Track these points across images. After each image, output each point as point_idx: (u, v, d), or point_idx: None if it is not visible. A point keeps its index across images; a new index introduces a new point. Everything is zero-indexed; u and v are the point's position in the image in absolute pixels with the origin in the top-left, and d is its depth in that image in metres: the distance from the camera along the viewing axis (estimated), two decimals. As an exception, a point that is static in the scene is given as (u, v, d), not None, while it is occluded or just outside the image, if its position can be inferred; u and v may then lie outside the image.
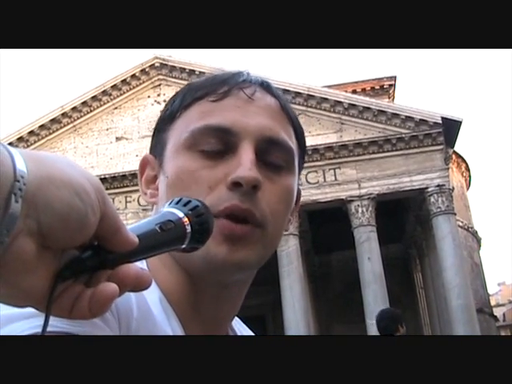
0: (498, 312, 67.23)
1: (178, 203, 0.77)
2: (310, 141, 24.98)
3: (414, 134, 24.57)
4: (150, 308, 0.90)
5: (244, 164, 0.95)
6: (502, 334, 76.79)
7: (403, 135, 24.61)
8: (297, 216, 24.20)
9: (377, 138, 24.73)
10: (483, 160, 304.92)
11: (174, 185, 0.98)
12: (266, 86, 1.06)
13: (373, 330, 22.62)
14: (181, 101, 1.05)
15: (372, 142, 24.73)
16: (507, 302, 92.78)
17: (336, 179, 24.75)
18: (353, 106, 25.11)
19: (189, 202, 0.77)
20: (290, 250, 23.66)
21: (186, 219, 0.74)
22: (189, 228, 0.74)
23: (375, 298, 23.02)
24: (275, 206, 0.98)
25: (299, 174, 1.10)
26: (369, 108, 25.00)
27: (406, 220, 28.68)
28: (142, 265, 1.01)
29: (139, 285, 0.63)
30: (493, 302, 60.07)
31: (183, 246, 0.74)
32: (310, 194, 24.47)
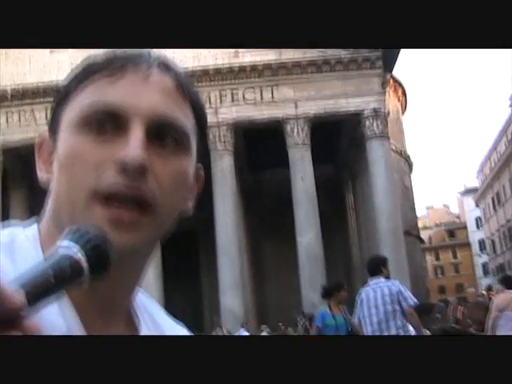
0: (424, 235, 69.45)
1: (74, 234, 0.74)
2: (248, 57, 24.75)
3: (354, 56, 24.60)
4: None
5: (131, 145, 0.93)
6: (427, 256, 79.53)
7: (342, 57, 24.61)
8: (231, 132, 24.18)
9: (316, 58, 24.66)
10: (420, 85, 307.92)
11: (63, 165, 0.96)
12: (164, 63, 1.03)
13: (302, 247, 23.33)
14: (76, 77, 1.02)
15: (311, 62, 24.68)
16: (434, 226, 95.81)
17: (273, 98, 24.71)
18: (293, 24, 24.86)
19: (86, 233, 0.75)
20: (223, 167, 23.75)
21: (81, 257, 0.72)
22: (86, 265, 0.72)
23: (307, 216, 23.46)
24: (167, 187, 0.97)
25: (200, 152, 1.07)
26: (309, 27, 24.80)
27: (339, 142, 28.98)
28: (31, 230, 1.01)
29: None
30: (420, 225, 61.87)
31: (83, 280, 0.72)
32: (246, 111, 24.41)
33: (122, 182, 0.91)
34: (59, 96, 1.04)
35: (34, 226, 1.02)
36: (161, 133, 0.97)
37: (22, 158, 26.86)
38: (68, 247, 0.72)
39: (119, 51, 1.04)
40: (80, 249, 0.72)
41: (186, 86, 1.03)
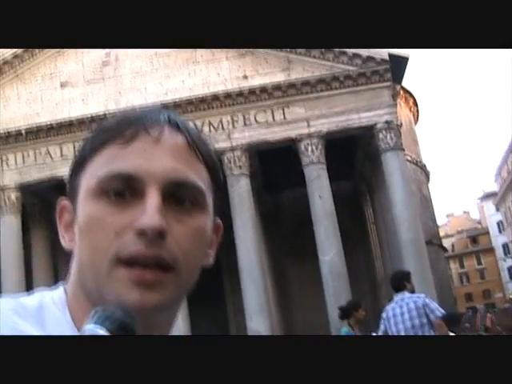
0: (447, 243, 68.97)
1: (100, 316, 0.79)
2: (257, 80, 24.85)
3: (362, 71, 24.64)
4: None
5: (148, 211, 0.95)
6: (451, 264, 78.91)
7: (351, 72, 24.65)
8: (246, 156, 24.22)
9: (324, 75, 24.72)
10: (431, 93, 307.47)
11: (84, 232, 0.99)
12: (174, 124, 1.04)
13: (325, 265, 23.23)
14: (90, 144, 1.04)
15: (320, 79, 24.72)
16: (456, 233, 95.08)
17: (285, 118, 24.75)
18: (300, 44, 24.95)
19: (112, 315, 0.79)
20: (241, 191, 23.77)
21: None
22: None
23: (327, 234, 23.38)
24: (187, 247, 0.99)
25: (216, 207, 1.08)
26: (316, 46, 24.88)
27: (355, 157, 28.95)
28: (58, 293, 1.03)
29: None
30: (442, 233, 61.52)
31: None
32: (259, 134, 24.47)
33: (142, 247, 0.94)
34: (75, 164, 1.06)
35: (61, 289, 1.05)
36: (176, 194, 0.99)
37: (40, 197, 27.06)
38: (94, 330, 0.77)
39: (130, 113, 1.06)
40: (107, 331, 0.77)
41: (198, 144, 1.05)
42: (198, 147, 1.04)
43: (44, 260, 27.13)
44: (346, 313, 9.55)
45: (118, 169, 0.98)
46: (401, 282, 8.50)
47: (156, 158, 0.99)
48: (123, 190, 0.97)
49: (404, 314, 7.99)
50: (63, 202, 1.08)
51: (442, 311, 8.02)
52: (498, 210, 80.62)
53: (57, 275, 27.33)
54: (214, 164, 1.08)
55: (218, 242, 1.13)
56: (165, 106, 21.24)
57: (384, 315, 8.42)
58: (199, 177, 1.02)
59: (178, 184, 0.99)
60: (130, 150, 0.99)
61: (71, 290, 1.03)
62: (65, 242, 1.06)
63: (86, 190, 1.00)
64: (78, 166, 1.05)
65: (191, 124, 1.09)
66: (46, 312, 0.97)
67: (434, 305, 8.08)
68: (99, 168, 0.99)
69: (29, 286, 24.66)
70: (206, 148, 1.07)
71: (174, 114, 1.07)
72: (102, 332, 0.77)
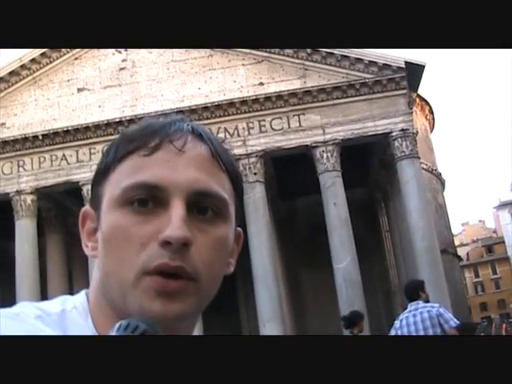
0: (461, 252, 68.57)
1: (125, 330, 0.79)
2: (273, 87, 24.86)
3: (378, 78, 24.58)
4: None
5: (173, 222, 0.96)
6: (466, 273, 78.40)
7: (367, 80, 24.61)
8: (261, 163, 24.21)
9: (340, 83, 24.68)
10: (447, 101, 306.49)
11: (108, 241, 1.00)
12: (197, 134, 1.05)
13: (339, 273, 23.15)
14: (114, 154, 1.05)
15: (336, 87, 24.69)
16: (471, 242, 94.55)
17: (300, 125, 24.72)
18: (316, 51, 24.96)
19: (136, 327, 0.80)
20: (256, 198, 23.75)
21: None
22: None
23: (341, 242, 23.31)
24: (208, 257, 1.00)
25: (237, 217, 1.09)
26: (332, 53, 24.88)
27: (370, 165, 28.88)
28: (80, 299, 1.05)
29: None
30: (457, 242, 61.19)
31: None
32: (274, 141, 24.47)
33: (167, 257, 0.95)
34: (99, 172, 1.07)
35: (83, 295, 1.06)
36: (200, 204, 1.00)
37: (56, 201, 27.19)
38: None
39: (154, 123, 1.07)
40: None
41: (221, 154, 1.06)
42: (220, 157, 1.05)
43: (59, 265, 27.19)
44: (353, 321, 9.77)
45: (142, 179, 0.99)
46: (415, 291, 8.49)
47: (180, 169, 1.00)
48: (147, 199, 0.98)
49: (417, 323, 7.94)
50: (86, 209, 1.09)
51: (456, 321, 7.96)
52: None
53: (71, 280, 27.44)
54: (236, 174, 1.09)
55: (239, 251, 1.15)
56: (180, 112, 21.31)
57: (397, 324, 8.37)
58: (222, 187, 1.03)
59: (201, 194, 1.00)
60: (154, 160, 1.00)
61: (93, 296, 1.04)
62: (88, 250, 1.07)
63: (109, 200, 1.01)
64: (102, 174, 1.06)
65: (213, 134, 1.10)
66: (68, 318, 0.98)
67: (448, 315, 8.01)
68: (123, 178, 1.00)
69: (43, 291, 24.78)
70: (228, 158, 1.08)
71: (196, 124, 1.08)
72: None
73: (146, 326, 0.80)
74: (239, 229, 1.13)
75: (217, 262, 1.02)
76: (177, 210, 0.97)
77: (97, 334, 0.98)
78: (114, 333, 0.79)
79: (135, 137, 1.04)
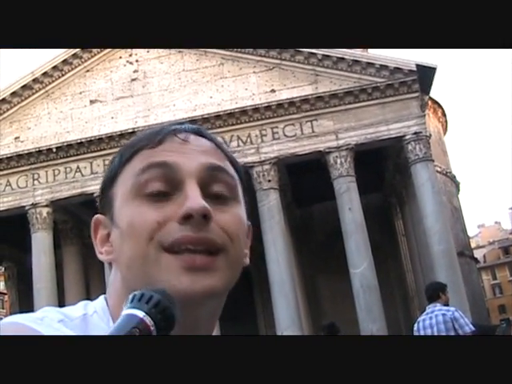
0: (478, 254, 68.23)
1: (139, 300, 0.78)
2: (285, 94, 24.89)
3: (390, 82, 24.55)
4: None
5: (191, 196, 0.97)
6: (484, 275, 78.00)
7: (379, 84, 24.57)
8: (275, 170, 24.23)
9: (352, 88, 24.67)
10: (459, 103, 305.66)
11: (127, 233, 1.00)
12: (199, 132, 1.09)
13: (356, 278, 23.09)
14: (120, 157, 1.08)
15: (348, 92, 24.68)
16: (487, 244, 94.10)
17: (313, 131, 24.71)
18: (327, 56, 24.96)
19: (150, 297, 0.78)
20: (270, 205, 23.76)
21: (149, 320, 0.76)
22: (153, 328, 0.76)
23: (358, 247, 23.26)
24: (232, 230, 1.01)
25: (246, 207, 1.11)
26: (343, 58, 24.88)
27: (384, 169, 28.81)
28: (99, 303, 1.05)
29: None
30: (473, 244, 60.95)
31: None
32: (287, 148, 24.48)
33: (189, 232, 0.95)
34: (107, 179, 1.10)
35: (102, 300, 1.06)
36: (213, 183, 1.02)
37: (71, 213, 27.31)
38: (133, 315, 0.76)
39: (154, 127, 1.11)
40: (146, 315, 0.76)
41: (225, 148, 1.11)
42: (224, 149, 1.10)
43: (76, 277, 27.29)
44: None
45: (155, 160, 1.02)
46: (435, 292, 8.48)
47: (188, 155, 1.03)
48: (162, 185, 1.00)
49: (433, 326, 7.94)
50: (96, 217, 1.11)
51: (472, 328, 7.87)
52: (529, 219, 79.65)
53: (89, 292, 27.50)
54: (239, 165, 1.13)
55: (250, 245, 1.15)
56: (193, 121, 21.39)
57: (415, 327, 8.38)
58: (229, 169, 1.08)
59: (214, 168, 1.03)
60: (162, 149, 1.03)
61: (114, 299, 1.04)
62: (103, 256, 1.08)
63: (123, 195, 1.03)
64: (110, 179, 1.08)
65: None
66: (90, 322, 0.99)
67: (465, 320, 7.93)
68: (133, 169, 1.03)
69: (61, 303, 24.85)
70: (230, 152, 1.12)
71: (198, 126, 1.12)
72: (138, 313, 0.76)
73: (161, 296, 0.79)
74: (249, 222, 1.13)
75: (239, 238, 1.03)
76: (192, 188, 0.99)
77: None
78: (128, 303, 0.79)
79: (140, 139, 1.08)
